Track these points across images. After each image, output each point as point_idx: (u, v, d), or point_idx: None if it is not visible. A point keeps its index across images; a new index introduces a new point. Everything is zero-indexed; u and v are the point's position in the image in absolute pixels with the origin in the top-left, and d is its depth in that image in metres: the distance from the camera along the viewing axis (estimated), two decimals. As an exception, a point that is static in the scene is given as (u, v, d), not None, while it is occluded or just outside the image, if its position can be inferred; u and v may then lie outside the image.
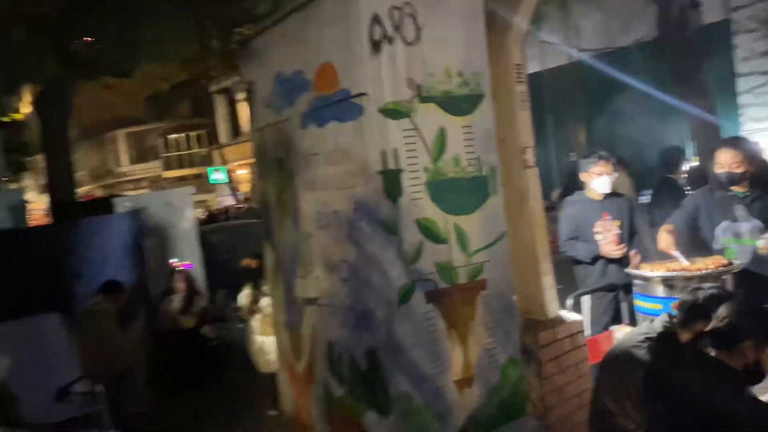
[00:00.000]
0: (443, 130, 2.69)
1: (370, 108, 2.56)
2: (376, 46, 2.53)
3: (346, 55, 2.63)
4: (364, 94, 2.56)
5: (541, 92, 16.19)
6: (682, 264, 3.35)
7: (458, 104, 2.75)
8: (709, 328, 2.36)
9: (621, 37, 16.62)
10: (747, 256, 3.42)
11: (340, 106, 2.66)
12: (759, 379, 2.30)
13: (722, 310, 2.34)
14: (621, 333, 3.74)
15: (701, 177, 5.53)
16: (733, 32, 13.82)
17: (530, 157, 3.35)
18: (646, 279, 3.41)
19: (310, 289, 3.07)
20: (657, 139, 15.42)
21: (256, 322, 4.75)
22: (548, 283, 3.38)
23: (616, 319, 3.99)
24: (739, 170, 3.43)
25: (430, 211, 2.64)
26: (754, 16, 13.55)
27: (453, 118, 2.73)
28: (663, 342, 2.56)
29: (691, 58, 11.64)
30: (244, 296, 5.02)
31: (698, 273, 3.18)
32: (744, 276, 3.27)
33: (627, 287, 3.87)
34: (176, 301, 6.15)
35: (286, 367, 3.67)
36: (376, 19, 2.53)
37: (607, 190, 4.07)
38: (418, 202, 2.60)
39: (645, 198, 6.51)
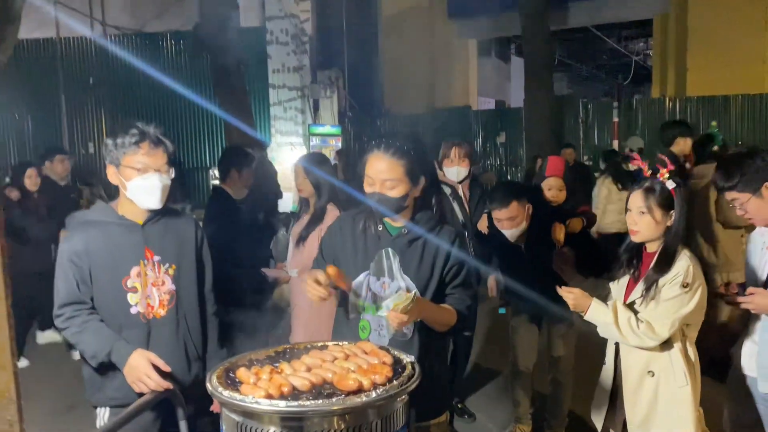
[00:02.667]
0: None
1: None
2: None
3: None
4: None
5: (54, 64, 13.14)
6: (322, 374, 1.65)
7: None
8: None
9: (154, 22, 14.82)
10: (386, 340, 1.98)
11: None
12: None
13: None
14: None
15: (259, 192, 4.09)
16: (267, 42, 13.63)
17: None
18: (245, 412, 1.58)
19: None
20: (189, 136, 14.21)
21: None
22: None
23: None
24: (396, 193, 1.94)
25: None
26: (285, 30, 13.64)
27: None
28: None
29: (229, 59, 10.73)
30: None
31: (358, 403, 1.50)
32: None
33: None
34: None
35: None
36: None
37: (157, 205, 2.14)
38: None
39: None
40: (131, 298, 2.10)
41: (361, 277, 2.00)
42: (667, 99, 12.11)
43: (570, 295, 2.18)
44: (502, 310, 3.54)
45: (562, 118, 11.85)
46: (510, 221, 2.99)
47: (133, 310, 2.10)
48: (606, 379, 2.32)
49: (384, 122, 14.41)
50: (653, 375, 2.12)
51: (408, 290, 1.87)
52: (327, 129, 13.31)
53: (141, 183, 2.05)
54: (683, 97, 12.05)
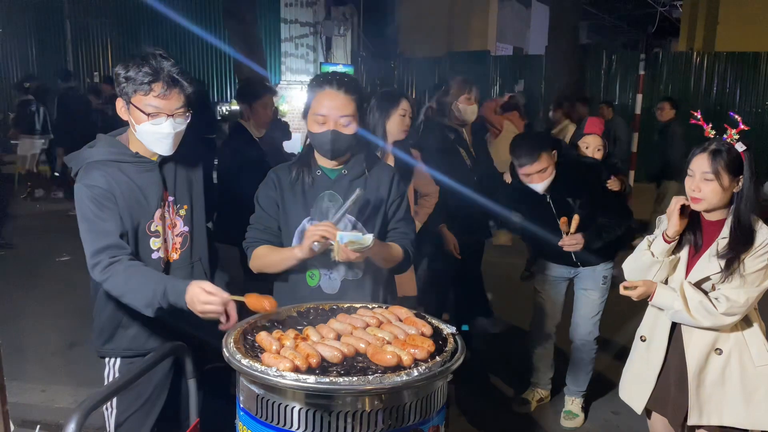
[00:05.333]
0: None
1: None
2: None
3: None
4: None
5: None
6: (354, 344, 1.47)
7: None
8: None
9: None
10: (337, 284, 1.94)
11: None
12: None
13: None
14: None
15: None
16: (280, -27, 13.04)
17: None
18: (266, 385, 1.40)
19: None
20: (196, 70, 13.79)
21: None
22: None
23: None
24: (351, 130, 1.90)
25: None
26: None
27: None
28: None
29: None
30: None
31: (398, 382, 1.33)
32: None
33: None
34: None
35: None
36: None
37: (167, 152, 1.94)
38: None
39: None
40: (153, 243, 1.92)
41: (302, 225, 1.93)
42: (695, 53, 11.63)
43: (635, 291, 1.98)
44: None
45: (583, 68, 11.40)
46: (540, 174, 2.81)
47: (154, 256, 1.92)
48: (652, 357, 2.11)
49: (398, 64, 13.91)
50: (720, 353, 1.94)
51: (363, 232, 1.80)
52: (339, 69, 12.85)
53: (150, 129, 1.82)
54: (712, 52, 11.57)
